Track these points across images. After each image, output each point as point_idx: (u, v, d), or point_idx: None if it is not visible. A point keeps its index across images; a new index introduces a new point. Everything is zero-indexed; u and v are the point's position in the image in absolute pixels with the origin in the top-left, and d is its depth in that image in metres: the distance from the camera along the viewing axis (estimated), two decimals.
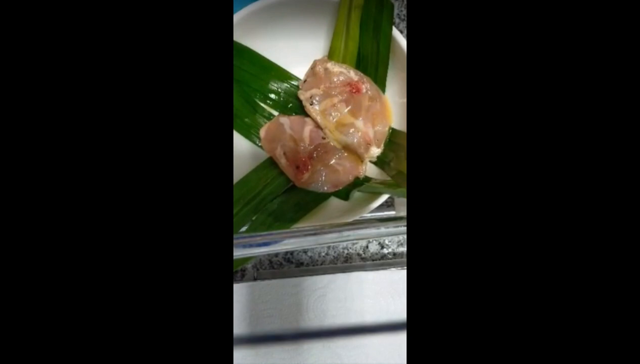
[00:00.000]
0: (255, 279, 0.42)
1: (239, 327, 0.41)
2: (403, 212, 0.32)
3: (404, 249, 0.44)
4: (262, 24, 0.33)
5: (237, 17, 0.32)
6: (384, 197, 0.31)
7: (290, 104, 0.36)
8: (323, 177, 0.32)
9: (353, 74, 0.33)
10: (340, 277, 0.41)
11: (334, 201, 0.34)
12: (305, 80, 0.34)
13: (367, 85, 0.33)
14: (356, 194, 0.33)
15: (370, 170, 0.34)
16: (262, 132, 0.34)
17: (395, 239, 0.44)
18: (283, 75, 0.36)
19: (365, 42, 0.34)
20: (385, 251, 0.44)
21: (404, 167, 0.31)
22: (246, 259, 0.37)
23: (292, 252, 0.43)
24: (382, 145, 0.34)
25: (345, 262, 0.44)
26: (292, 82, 0.36)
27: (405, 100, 0.34)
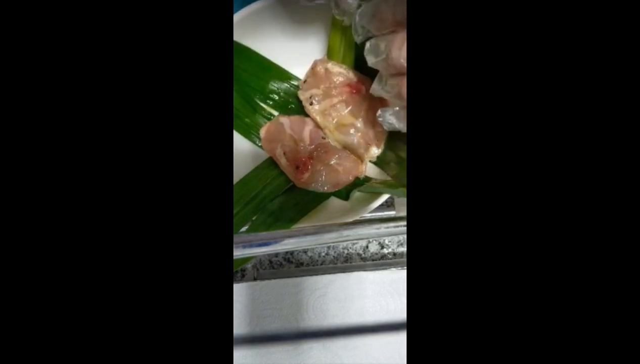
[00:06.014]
0: (255, 279, 0.42)
1: (239, 327, 0.41)
2: (403, 212, 0.32)
3: (404, 249, 0.44)
4: (262, 24, 0.33)
5: (237, 17, 0.32)
6: (384, 197, 0.31)
7: (291, 105, 0.36)
8: (323, 177, 0.32)
9: (353, 75, 0.33)
10: (340, 277, 0.41)
11: (334, 201, 0.34)
12: (305, 81, 0.34)
13: (367, 86, 0.33)
14: (356, 194, 0.33)
15: (370, 170, 0.34)
16: (262, 132, 0.34)
17: (395, 239, 0.44)
18: (283, 75, 0.36)
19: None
20: (385, 251, 0.44)
21: (404, 167, 0.31)
22: (246, 259, 0.37)
23: (292, 252, 0.43)
24: (382, 145, 0.34)
25: (345, 262, 0.44)
26: (292, 82, 0.36)
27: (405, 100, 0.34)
